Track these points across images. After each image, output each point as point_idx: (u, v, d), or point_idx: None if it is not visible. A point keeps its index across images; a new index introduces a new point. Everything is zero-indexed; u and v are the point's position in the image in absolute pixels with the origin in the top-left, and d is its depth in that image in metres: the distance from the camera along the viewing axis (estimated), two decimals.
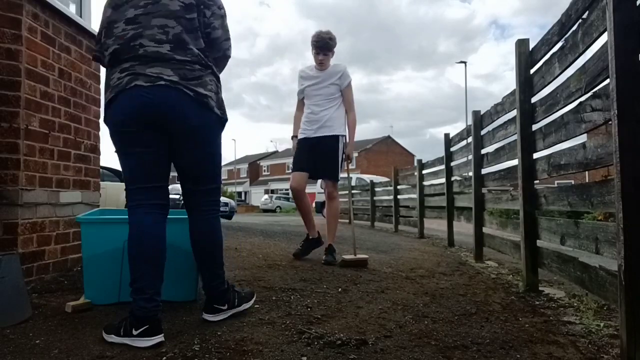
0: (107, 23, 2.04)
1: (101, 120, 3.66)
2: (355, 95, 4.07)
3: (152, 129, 1.97)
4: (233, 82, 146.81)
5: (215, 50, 2.16)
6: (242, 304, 2.26)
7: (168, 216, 2.12)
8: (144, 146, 1.98)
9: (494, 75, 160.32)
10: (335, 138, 3.85)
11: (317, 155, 3.82)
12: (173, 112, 1.96)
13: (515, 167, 3.31)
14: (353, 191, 12.95)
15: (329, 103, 3.88)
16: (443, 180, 6.13)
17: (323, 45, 3.79)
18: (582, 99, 2.19)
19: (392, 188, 9.21)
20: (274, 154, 62.68)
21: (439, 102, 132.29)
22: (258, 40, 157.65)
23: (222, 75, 2.27)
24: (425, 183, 7.27)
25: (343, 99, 3.92)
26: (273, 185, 54.55)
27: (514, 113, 3.29)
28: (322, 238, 4.11)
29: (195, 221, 2.17)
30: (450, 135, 6.08)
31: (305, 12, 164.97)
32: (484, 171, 4.45)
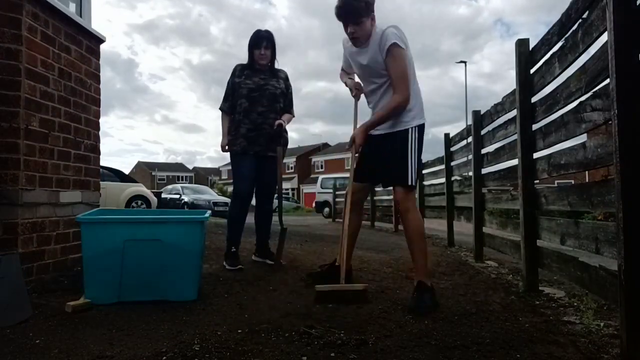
0: None
1: (101, 120, 3.67)
2: None
3: None
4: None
5: None
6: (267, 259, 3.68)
7: (169, 217, 2.12)
8: None
9: (497, 74, 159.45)
10: (403, 133, 2.67)
11: (380, 156, 2.77)
12: None
13: (515, 167, 3.31)
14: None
15: (384, 89, 2.72)
16: (443, 180, 6.12)
17: (348, 12, 2.57)
18: (582, 98, 2.19)
19: (392, 188, 9.19)
20: None
21: (442, 101, 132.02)
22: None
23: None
24: (425, 183, 7.27)
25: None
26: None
27: (514, 113, 3.29)
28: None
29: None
30: (450, 135, 6.07)
31: (308, 10, 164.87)
32: (484, 171, 4.45)
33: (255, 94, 3.51)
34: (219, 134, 3.67)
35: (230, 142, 3.57)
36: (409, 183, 2.65)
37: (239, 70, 3.60)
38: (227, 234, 3.70)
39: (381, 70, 2.65)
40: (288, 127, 3.71)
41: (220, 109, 3.66)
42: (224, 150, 3.64)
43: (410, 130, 2.66)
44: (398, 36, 2.57)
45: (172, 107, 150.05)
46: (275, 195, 3.80)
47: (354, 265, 3.85)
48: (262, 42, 3.52)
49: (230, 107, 3.61)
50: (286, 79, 3.69)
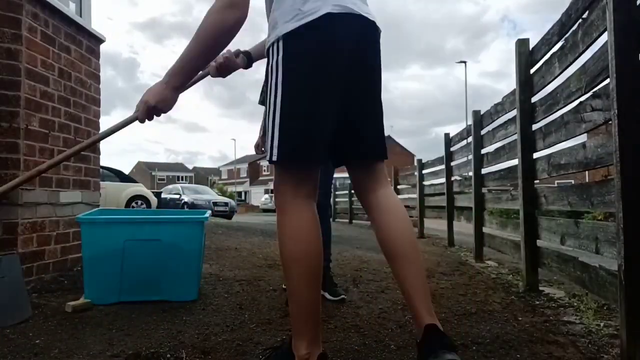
0: None
1: (103, 119, 3.67)
2: None
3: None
4: (237, 80, 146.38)
5: None
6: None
7: (169, 216, 2.11)
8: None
9: (504, 72, 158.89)
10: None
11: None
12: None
13: (515, 166, 3.31)
14: (352, 191, 12.91)
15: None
16: (443, 180, 6.13)
17: None
18: (582, 98, 2.19)
19: (391, 188, 9.21)
20: None
21: (446, 101, 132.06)
22: (262, 36, 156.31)
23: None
24: (425, 183, 7.27)
25: None
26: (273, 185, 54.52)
27: (514, 113, 3.29)
28: None
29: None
30: (451, 135, 6.08)
31: None
32: (484, 171, 4.45)
33: None
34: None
35: None
36: (268, 157, 1.47)
37: None
38: None
39: None
40: None
41: None
42: None
43: (271, 47, 1.43)
44: None
45: (175, 106, 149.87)
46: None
47: (355, 266, 3.84)
48: None
49: None
50: None
